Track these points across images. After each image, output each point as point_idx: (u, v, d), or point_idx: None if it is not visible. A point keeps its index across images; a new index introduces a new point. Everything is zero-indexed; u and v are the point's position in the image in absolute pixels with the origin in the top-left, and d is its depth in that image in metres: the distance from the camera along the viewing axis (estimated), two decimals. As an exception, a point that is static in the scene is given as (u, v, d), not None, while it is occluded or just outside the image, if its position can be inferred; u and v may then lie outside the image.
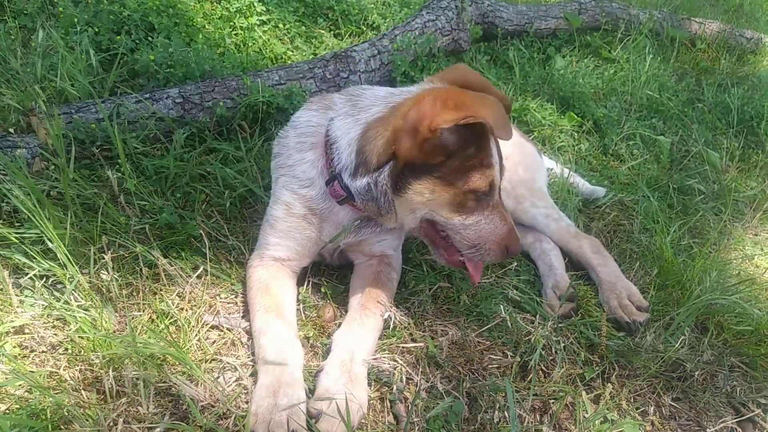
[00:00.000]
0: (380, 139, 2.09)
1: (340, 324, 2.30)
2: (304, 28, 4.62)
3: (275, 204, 2.40)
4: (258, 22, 4.39)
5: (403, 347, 2.31)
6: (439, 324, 2.46)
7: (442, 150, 2.02)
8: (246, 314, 2.31)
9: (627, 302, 2.62)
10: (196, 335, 2.19)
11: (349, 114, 2.22)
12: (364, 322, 2.21)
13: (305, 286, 2.52)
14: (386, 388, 2.14)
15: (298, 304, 2.41)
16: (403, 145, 2.02)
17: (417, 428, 2.00)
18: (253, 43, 4.21)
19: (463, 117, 1.90)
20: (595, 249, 2.87)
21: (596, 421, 2.10)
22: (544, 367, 2.34)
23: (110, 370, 1.90)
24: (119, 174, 2.71)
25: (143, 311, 2.25)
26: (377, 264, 2.47)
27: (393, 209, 2.19)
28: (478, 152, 2.07)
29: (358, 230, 2.40)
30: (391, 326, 2.32)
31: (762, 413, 2.39)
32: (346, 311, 2.41)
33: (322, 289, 2.52)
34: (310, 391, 2.00)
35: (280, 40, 4.41)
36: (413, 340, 2.35)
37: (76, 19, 3.52)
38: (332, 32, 4.79)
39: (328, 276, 2.63)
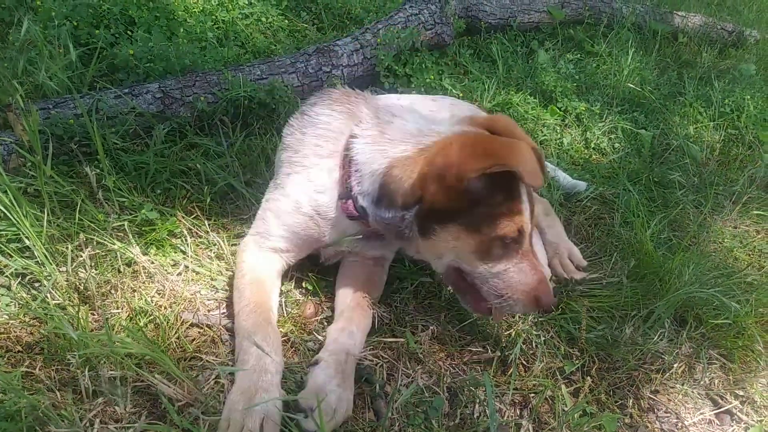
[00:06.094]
0: (407, 181, 2.02)
1: (323, 320, 2.30)
2: (287, 21, 4.59)
3: (284, 198, 2.31)
4: (240, 16, 4.36)
5: (384, 343, 2.31)
6: (420, 319, 2.46)
7: (468, 197, 1.95)
8: (226, 311, 2.29)
9: (567, 261, 2.84)
10: (175, 333, 2.18)
11: (375, 142, 2.13)
12: (360, 322, 2.20)
13: (288, 280, 2.50)
14: (367, 384, 2.14)
15: (280, 299, 2.40)
16: (429, 191, 1.97)
17: (397, 424, 2.01)
18: (235, 37, 4.18)
19: (491, 165, 1.84)
20: (546, 211, 3.00)
21: (575, 415, 2.12)
22: (524, 361, 2.36)
23: (87, 370, 1.88)
24: (98, 170, 2.68)
25: (122, 309, 2.23)
26: (372, 265, 2.45)
27: (417, 246, 2.17)
28: (507, 199, 2.00)
29: (365, 242, 2.33)
30: (376, 324, 2.33)
31: (740, 405, 2.43)
32: (329, 307, 2.41)
33: (304, 285, 2.52)
34: (290, 390, 1.99)
35: (263, 33, 4.38)
36: (394, 336, 2.35)
37: (54, 13, 3.47)
38: (315, 26, 4.76)
39: (311, 271, 2.62)
